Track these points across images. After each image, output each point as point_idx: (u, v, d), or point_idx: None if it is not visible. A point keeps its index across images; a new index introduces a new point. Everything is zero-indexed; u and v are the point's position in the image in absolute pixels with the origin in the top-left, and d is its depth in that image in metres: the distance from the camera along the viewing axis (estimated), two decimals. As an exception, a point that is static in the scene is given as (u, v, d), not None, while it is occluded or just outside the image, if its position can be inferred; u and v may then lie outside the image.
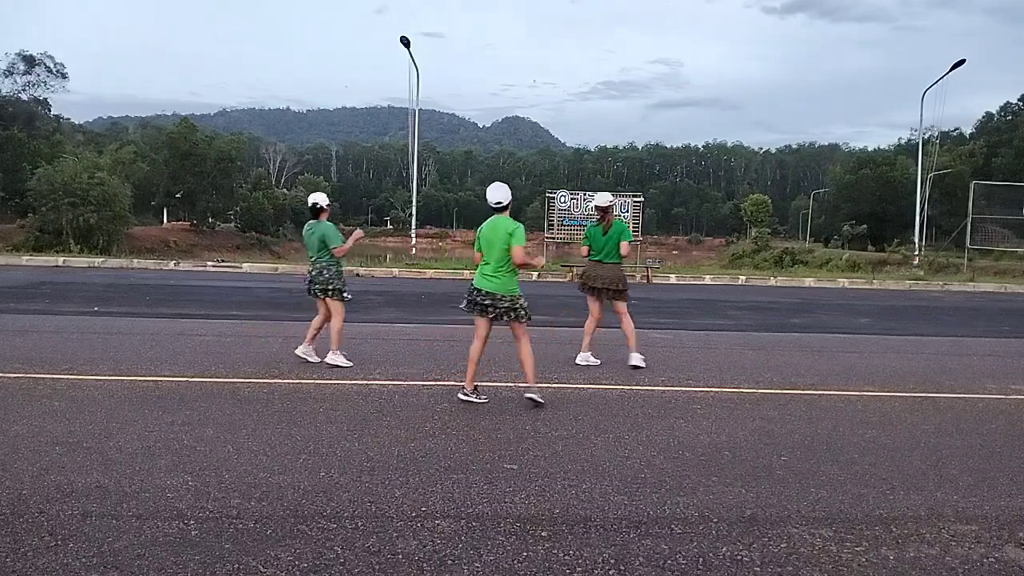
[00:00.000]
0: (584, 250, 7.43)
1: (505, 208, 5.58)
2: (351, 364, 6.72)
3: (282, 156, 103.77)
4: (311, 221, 6.95)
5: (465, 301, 5.66)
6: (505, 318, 5.52)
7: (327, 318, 6.92)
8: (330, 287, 6.83)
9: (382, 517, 3.34)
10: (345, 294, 6.91)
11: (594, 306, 7.35)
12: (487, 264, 5.53)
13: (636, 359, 7.13)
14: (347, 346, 6.98)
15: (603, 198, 7.40)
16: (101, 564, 2.81)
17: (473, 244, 5.79)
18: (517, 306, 5.51)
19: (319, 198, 7.01)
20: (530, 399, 5.49)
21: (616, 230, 7.18)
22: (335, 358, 6.73)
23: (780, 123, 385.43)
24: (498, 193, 5.57)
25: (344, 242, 6.89)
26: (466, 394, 5.62)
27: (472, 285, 5.60)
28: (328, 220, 6.98)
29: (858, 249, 46.02)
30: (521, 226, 5.50)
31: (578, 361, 7.23)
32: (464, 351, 7.91)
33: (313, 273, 6.88)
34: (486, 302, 5.48)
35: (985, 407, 6.13)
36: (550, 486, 3.82)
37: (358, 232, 7.56)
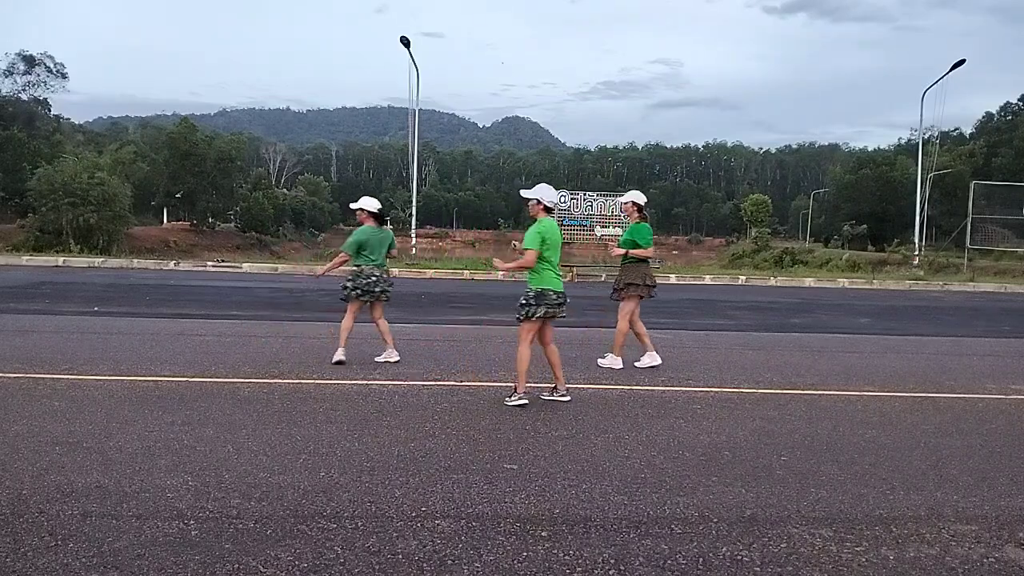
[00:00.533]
0: (652, 251, 7.21)
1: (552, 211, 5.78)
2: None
3: (282, 156, 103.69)
4: (372, 226, 6.97)
5: (544, 308, 5.49)
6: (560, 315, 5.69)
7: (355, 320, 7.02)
8: (391, 288, 7.11)
9: (382, 517, 3.34)
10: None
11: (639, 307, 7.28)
12: (554, 265, 5.61)
13: (612, 361, 7.16)
14: (348, 346, 6.98)
15: (641, 196, 7.33)
16: (101, 564, 2.80)
17: (537, 243, 5.50)
18: None
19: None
20: (564, 397, 5.71)
21: None
22: (341, 354, 6.81)
23: (780, 123, 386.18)
24: (555, 195, 5.76)
25: None
26: (560, 393, 5.72)
27: (549, 289, 5.52)
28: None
29: (858, 249, 46.01)
30: None
31: (646, 363, 7.18)
32: (464, 351, 7.95)
33: (383, 276, 6.97)
34: (561, 302, 5.62)
35: (985, 407, 6.13)
36: (550, 486, 3.82)
37: None
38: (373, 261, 6.93)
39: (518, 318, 5.58)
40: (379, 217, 7.05)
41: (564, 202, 22.42)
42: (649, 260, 7.23)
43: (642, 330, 7.26)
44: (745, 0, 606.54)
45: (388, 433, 4.68)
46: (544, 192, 5.66)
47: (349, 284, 6.90)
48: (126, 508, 3.34)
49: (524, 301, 5.54)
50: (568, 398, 5.69)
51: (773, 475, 4.13)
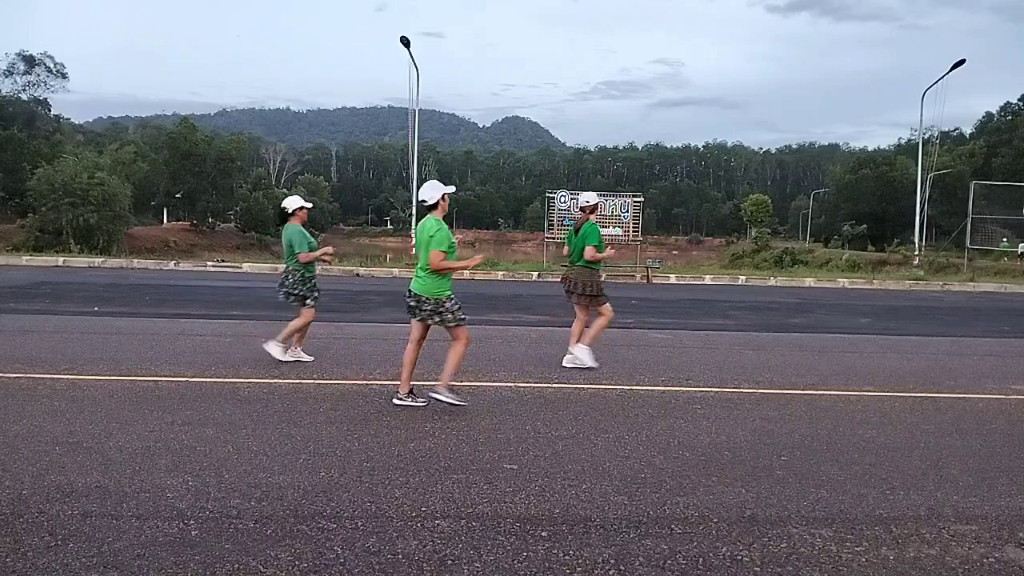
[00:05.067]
0: (565, 251, 7.39)
1: (433, 207, 5.28)
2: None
3: (282, 156, 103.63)
4: (293, 224, 6.79)
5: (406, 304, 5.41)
6: (430, 321, 5.28)
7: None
8: (285, 290, 6.79)
9: (382, 517, 3.34)
10: (308, 300, 6.81)
11: (577, 308, 7.19)
12: (418, 265, 5.38)
13: (581, 354, 6.93)
14: (348, 346, 6.98)
15: (583, 198, 7.28)
16: (101, 564, 2.80)
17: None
18: (442, 310, 5.22)
19: (292, 202, 6.89)
20: (433, 397, 5.29)
21: (583, 233, 6.97)
22: (282, 350, 6.72)
23: (780, 123, 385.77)
24: (425, 192, 5.33)
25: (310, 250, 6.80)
26: (400, 398, 5.40)
27: (409, 289, 5.37)
28: (301, 223, 6.84)
29: (858, 249, 46.01)
30: (444, 228, 5.21)
31: (564, 363, 6.98)
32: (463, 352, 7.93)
33: (286, 278, 6.79)
34: (411, 303, 5.30)
35: (985, 407, 6.13)
36: (550, 486, 3.82)
37: (328, 248, 7.56)
38: (288, 260, 6.82)
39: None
40: (283, 215, 6.86)
41: (564, 202, 22.40)
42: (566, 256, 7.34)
43: (574, 330, 7.15)
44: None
45: (388, 433, 4.68)
46: (420, 191, 5.43)
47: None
48: (126, 508, 3.34)
49: None
50: (409, 402, 5.39)
51: (773, 475, 4.13)
